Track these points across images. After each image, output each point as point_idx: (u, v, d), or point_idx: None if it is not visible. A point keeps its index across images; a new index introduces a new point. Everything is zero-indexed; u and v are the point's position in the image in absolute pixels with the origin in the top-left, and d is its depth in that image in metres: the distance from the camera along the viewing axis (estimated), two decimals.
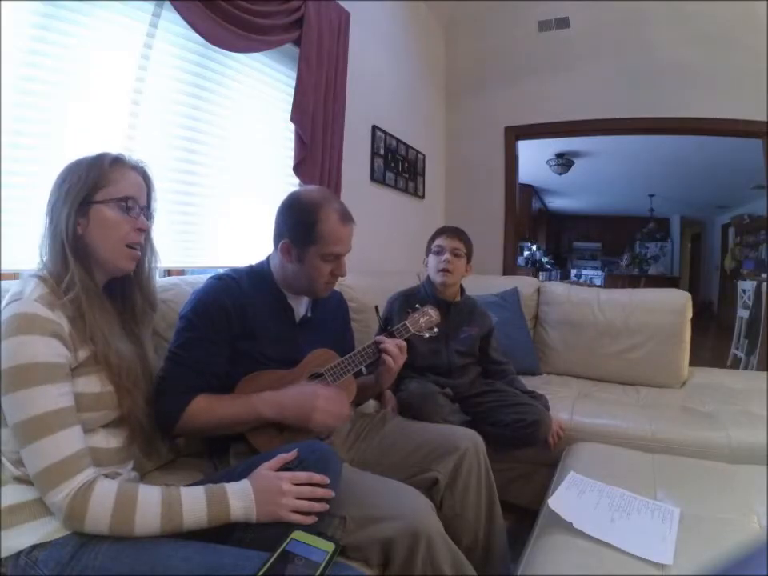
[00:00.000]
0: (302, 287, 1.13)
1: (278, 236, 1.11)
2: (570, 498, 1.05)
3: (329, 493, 0.82)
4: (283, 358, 1.09)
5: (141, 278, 0.93)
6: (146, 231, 0.88)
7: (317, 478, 0.81)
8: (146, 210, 0.90)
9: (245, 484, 0.79)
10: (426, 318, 1.27)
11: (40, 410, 0.69)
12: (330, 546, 0.70)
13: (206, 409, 0.97)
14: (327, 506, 0.81)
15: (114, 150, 0.89)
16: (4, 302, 0.75)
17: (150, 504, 0.71)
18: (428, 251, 1.75)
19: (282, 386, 1.02)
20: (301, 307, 1.18)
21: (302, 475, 0.81)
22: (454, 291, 1.72)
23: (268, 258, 1.18)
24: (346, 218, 1.10)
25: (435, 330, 1.28)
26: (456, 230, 1.73)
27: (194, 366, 0.99)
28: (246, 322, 1.05)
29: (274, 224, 1.13)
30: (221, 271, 1.16)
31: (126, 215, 0.84)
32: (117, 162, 0.85)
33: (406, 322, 1.23)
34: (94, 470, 0.72)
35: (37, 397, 0.69)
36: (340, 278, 1.15)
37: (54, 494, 0.68)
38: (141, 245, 0.88)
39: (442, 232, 1.73)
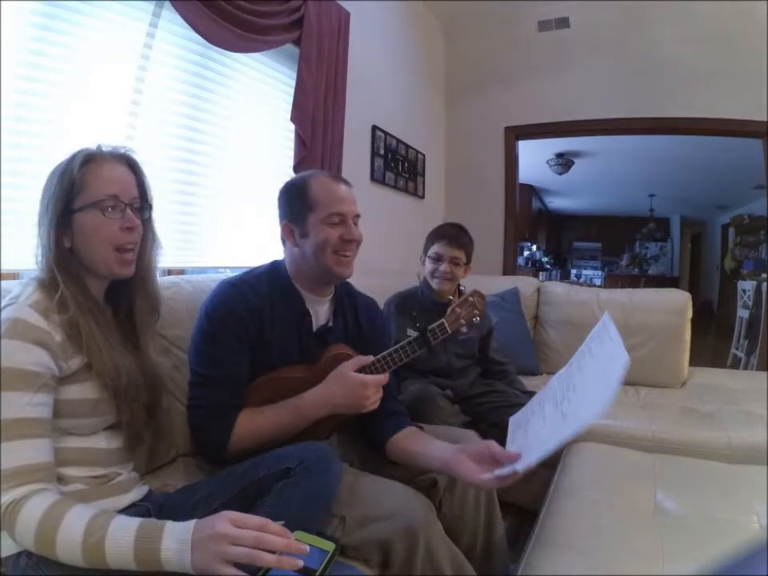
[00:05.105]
0: (314, 272, 1.05)
1: (280, 222, 1.08)
2: (520, 441, 0.87)
3: (288, 545, 0.61)
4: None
5: (138, 277, 0.86)
6: (134, 229, 0.81)
7: (272, 527, 0.62)
8: (138, 202, 0.83)
9: (190, 523, 0.64)
10: (469, 311, 1.12)
11: (3, 416, 0.66)
12: (330, 546, 0.70)
13: (252, 429, 0.95)
14: (282, 560, 0.60)
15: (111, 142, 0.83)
16: (3, 303, 0.74)
17: (72, 531, 0.63)
18: (425, 252, 1.69)
19: (304, 388, 1.00)
20: (321, 314, 1.11)
21: (254, 520, 0.63)
22: (451, 293, 1.69)
23: (284, 260, 1.12)
24: (338, 177, 1.06)
25: (476, 320, 1.14)
26: (456, 236, 1.64)
27: (225, 383, 0.96)
28: (261, 334, 1.02)
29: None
30: (232, 275, 1.11)
31: (108, 216, 0.78)
32: (88, 160, 0.78)
33: (444, 321, 1.10)
34: (43, 485, 0.67)
35: (4, 402, 0.67)
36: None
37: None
38: (134, 243, 0.83)
39: (441, 236, 1.65)
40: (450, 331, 1.10)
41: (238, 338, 0.98)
